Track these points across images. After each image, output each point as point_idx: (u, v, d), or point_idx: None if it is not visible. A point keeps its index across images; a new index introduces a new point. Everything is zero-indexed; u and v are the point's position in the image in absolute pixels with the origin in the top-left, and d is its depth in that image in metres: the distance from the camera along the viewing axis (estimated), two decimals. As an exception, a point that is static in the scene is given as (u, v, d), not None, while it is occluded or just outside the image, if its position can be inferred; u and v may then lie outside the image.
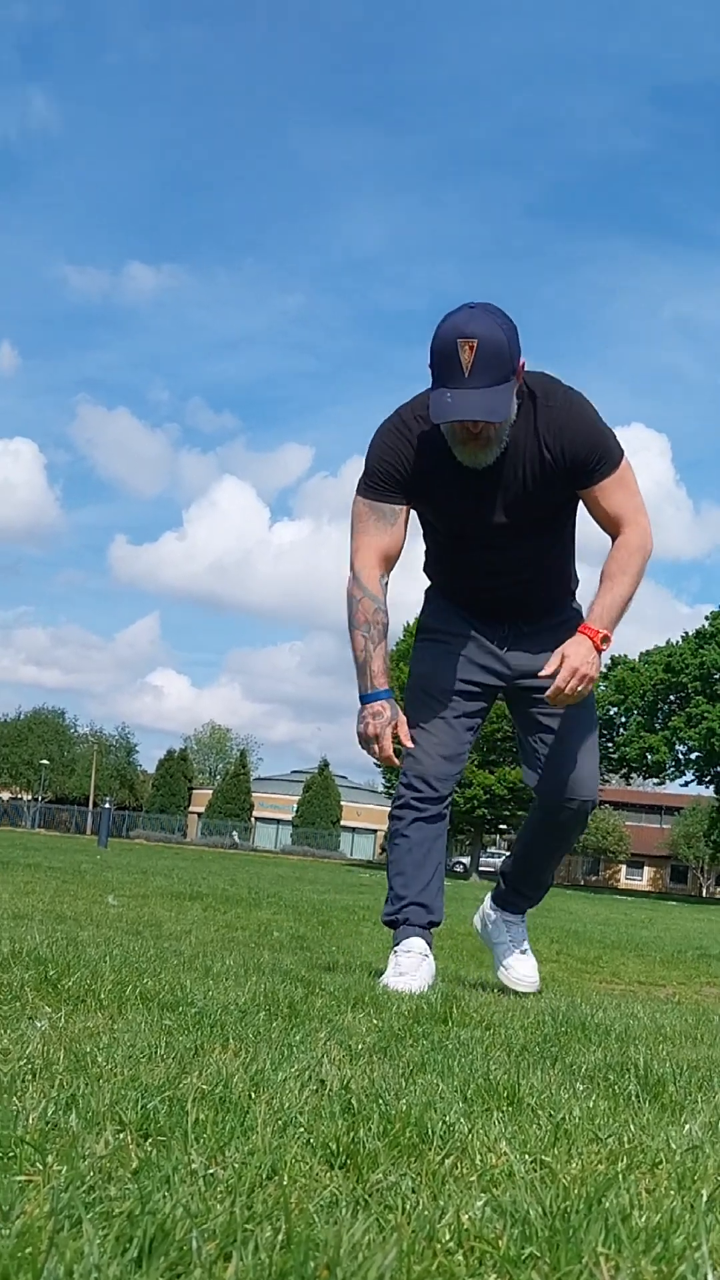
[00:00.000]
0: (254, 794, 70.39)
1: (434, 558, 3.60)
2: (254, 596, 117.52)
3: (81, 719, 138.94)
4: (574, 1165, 1.34)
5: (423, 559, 3.62)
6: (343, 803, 67.13)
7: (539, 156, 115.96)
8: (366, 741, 3.31)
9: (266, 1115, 1.42)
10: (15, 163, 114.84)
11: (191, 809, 71.69)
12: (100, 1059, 1.66)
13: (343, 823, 66.72)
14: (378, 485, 3.34)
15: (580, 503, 3.33)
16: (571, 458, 3.21)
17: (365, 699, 3.35)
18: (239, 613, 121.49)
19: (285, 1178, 1.20)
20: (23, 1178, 1.10)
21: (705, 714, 49.79)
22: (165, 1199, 1.06)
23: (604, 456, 3.23)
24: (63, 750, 79.84)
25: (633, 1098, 1.83)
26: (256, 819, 69.69)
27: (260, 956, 3.86)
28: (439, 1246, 1.03)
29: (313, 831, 65.01)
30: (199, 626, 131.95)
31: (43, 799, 75.60)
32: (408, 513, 3.39)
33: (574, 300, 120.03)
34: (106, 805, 28.05)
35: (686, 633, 53.30)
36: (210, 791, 71.97)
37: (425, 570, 3.67)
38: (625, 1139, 1.49)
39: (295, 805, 67.97)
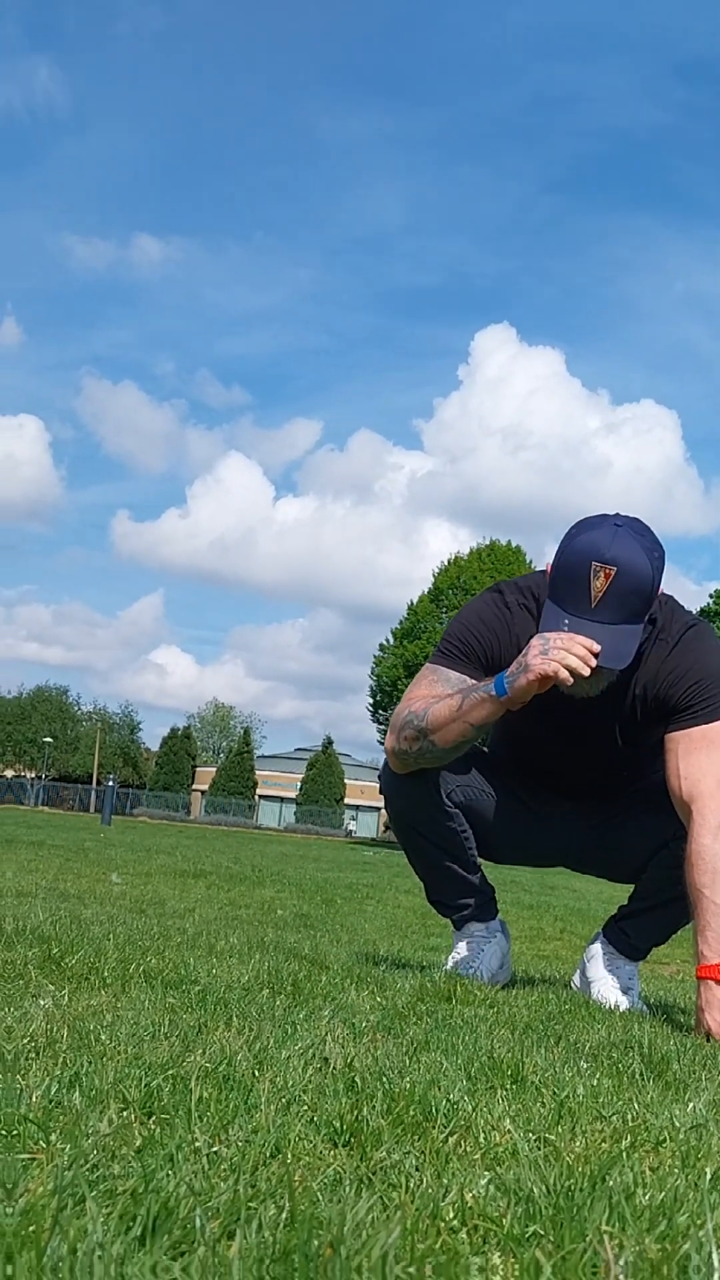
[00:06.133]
0: (258, 771, 70.53)
1: (499, 738, 3.11)
2: (258, 573, 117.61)
3: (85, 697, 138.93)
4: (578, 1143, 1.34)
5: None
6: (346, 780, 67.23)
7: (557, 131, 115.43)
8: (554, 652, 2.54)
9: (270, 1093, 1.42)
10: (20, 135, 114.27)
11: (195, 787, 71.86)
12: (104, 1037, 1.66)
13: (346, 800, 66.83)
14: (456, 656, 2.81)
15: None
16: (665, 696, 2.73)
17: (499, 681, 2.65)
18: (243, 590, 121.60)
19: (289, 1156, 1.20)
20: (26, 1156, 1.10)
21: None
22: (169, 1177, 1.06)
23: (702, 700, 2.70)
24: (66, 728, 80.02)
25: (636, 1076, 1.83)
26: (260, 796, 69.83)
27: (264, 934, 3.86)
28: (443, 1225, 1.03)
29: (316, 809, 65.12)
30: (202, 604, 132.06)
31: (46, 777, 75.80)
32: None
33: (589, 275, 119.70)
34: (110, 783, 28.07)
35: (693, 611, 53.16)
36: (214, 769, 72.11)
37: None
38: (629, 1117, 1.49)
39: (299, 783, 68.08)
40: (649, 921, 3.06)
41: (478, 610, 2.85)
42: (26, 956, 2.42)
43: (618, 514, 2.64)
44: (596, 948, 3.15)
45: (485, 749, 3.15)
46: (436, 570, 51.68)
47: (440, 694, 2.78)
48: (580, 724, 2.82)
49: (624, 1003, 2.97)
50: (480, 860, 3.15)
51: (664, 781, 2.75)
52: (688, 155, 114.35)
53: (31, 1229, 0.92)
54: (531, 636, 2.74)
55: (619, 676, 2.69)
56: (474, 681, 2.78)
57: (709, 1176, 1.23)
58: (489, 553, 50.32)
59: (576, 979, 3.24)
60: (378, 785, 3.06)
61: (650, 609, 2.62)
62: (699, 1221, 1.06)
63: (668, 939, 3.12)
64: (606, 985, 3.05)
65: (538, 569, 2.89)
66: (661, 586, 2.64)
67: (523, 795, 3.07)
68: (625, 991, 3.05)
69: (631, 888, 3.13)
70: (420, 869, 3.09)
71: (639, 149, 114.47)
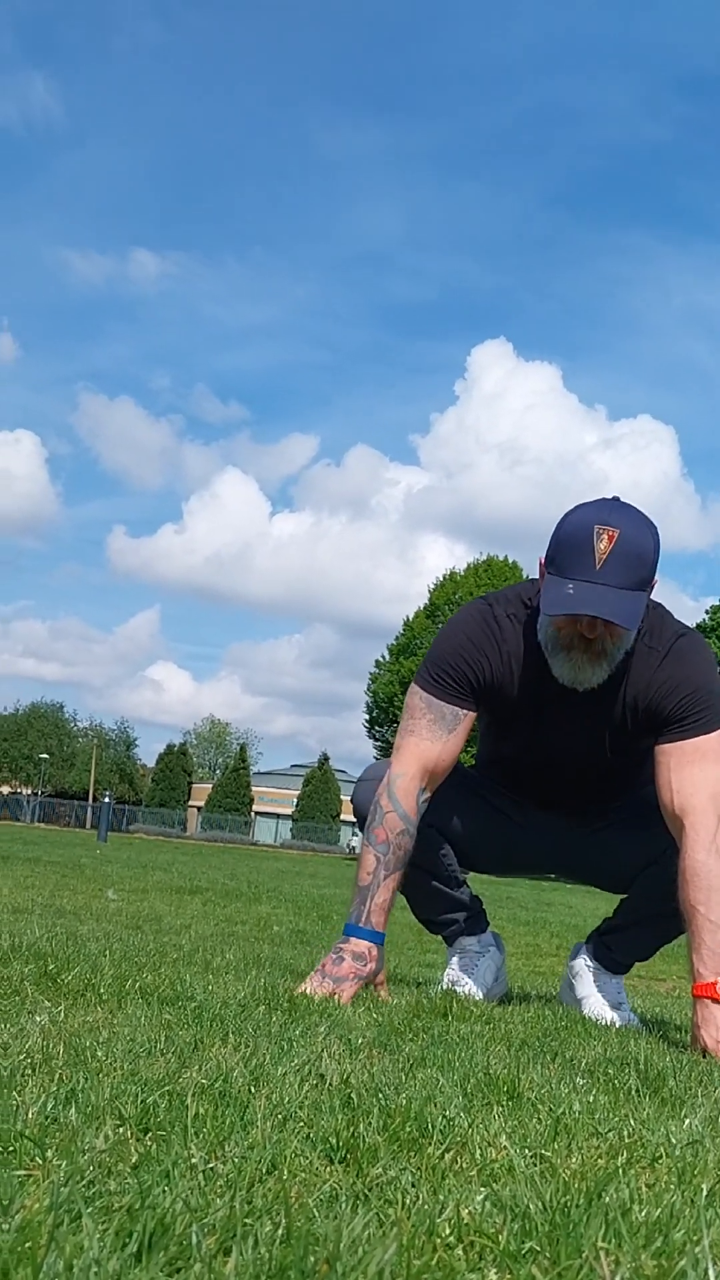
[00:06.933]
0: (254, 788, 70.43)
1: (487, 748, 3.10)
2: (254, 589, 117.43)
3: (81, 713, 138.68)
4: (574, 1160, 1.34)
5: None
6: (342, 797, 67.11)
7: (556, 146, 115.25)
8: (330, 980, 2.63)
9: (266, 1110, 1.42)
10: (17, 150, 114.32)
11: (191, 803, 71.74)
12: (100, 1053, 1.66)
13: (342, 817, 66.72)
14: (445, 683, 2.78)
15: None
16: (656, 707, 2.71)
17: (351, 930, 2.71)
18: (239, 606, 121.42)
19: (285, 1172, 1.20)
20: (23, 1172, 1.10)
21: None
22: (165, 1193, 1.06)
23: (694, 713, 2.68)
24: (62, 744, 79.89)
25: (633, 1092, 1.83)
26: (256, 813, 69.71)
27: (260, 951, 3.86)
28: (439, 1241, 1.03)
29: (312, 826, 65.03)
30: (199, 620, 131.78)
31: (42, 793, 75.68)
32: (472, 721, 2.83)
33: (587, 291, 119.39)
34: (106, 799, 28.04)
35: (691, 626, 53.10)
36: (210, 786, 71.99)
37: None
38: (625, 1133, 1.49)
39: (295, 799, 67.98)
40: (634, 937, 3.06)
41: (464, 628, 2.81)
42: (23, 973, 2.42)
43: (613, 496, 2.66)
44: (581, 964, 3.14)
45: (473, 761, 3.16)
46: (433, 586, 51.78)
47: (428, 758, 2.77)
48: (571, 735, 2.82)
49: (617, 1019, 2.97)
50: (468, 874, 3.15)
51: (654, 794, 2.74)
52: (688, 170, 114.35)
53: (28, 1245, 0.92)
54: (524, 651, 2.74)
55: (608, 685, 2.69)
56: (462, 712, 2.78)
57: (705, 1193, 1.23)
58: (485, 568, 50.39)
59: (563, 993, 3.24)
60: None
61: (651, 583, 2.59)
62: (695, 1238, 1.06)
63: (652, 955, 3.12)
64: (597, 1002, 3.05)
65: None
66: (656, 578, 2.63)
67: (504, 806, 3.06)
68: (616, 1007, 3.05)
69: (616, 901, 3.12)
70: (402, 887, 3.08)
71: (639, 164, 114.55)
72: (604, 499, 2.63)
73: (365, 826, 2.79)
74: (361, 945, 2.69)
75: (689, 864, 2.57)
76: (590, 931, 3.20)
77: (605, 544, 2.50)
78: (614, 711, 2.76)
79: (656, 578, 2.62)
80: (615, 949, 3.09)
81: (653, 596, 2.73)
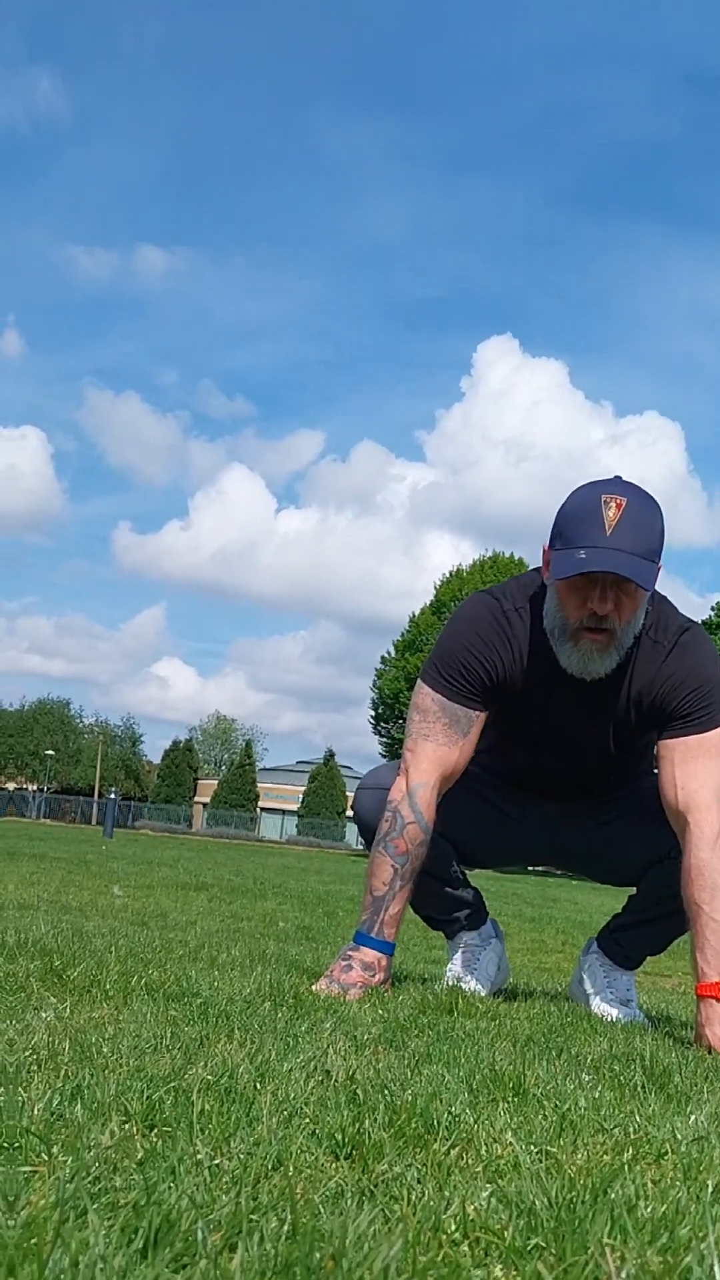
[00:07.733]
0: (259, 784, 70.41)
1: (487, 740, 2.97)
2: (260, 585, 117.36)
3: (86, 709, 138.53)
4: (580, 1156, 1.34)
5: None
6: (348, 793, 67.05)
7: (562, 143, 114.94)
8: (338, 985, 2.66)
9: (272, 1106, 1.42)
10: (23, 147, 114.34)
11: (197, 799, 71.73)
12: (105, 1049, 1.66)
13: (348, 813, 66.67)
14: (459, 683, 2.73)
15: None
16: (662, 702, 2.68)
17: (363, 939, 2.75)
18: (244, 602, 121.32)
19: (290, 1168, 1.20)
20: (28, 1168, 1.10)
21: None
22: (170, 1190, 1.06)
23: (700, 709, 2.65)
24: (68, 741, 79.95)
25: (638, 1088, 1.82)
26: (262, 809, 69.72)
27: (266, 947, 3.86)
28: (444, 1237, 1.03)
29: (318, 822, 65.03)
30: (204, 616, 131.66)
31: (48, 789, 75.71)
32: (484, 721, 2.79)
33: (593, 287, 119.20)
34: (112, 796, 28.06)
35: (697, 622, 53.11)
36: (215, 782, 72.00)
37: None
38: (631, 1130, 1.49)
39: (301, 796, 67.99)
40: (644, 933, 3.06)
41: (475, 625, 2.76)
42: (29, 969, 2.42)
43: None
44: (593, 959, 3.14)
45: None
46: (438, 582, 51.74)
47: (447, 764, 2.75)
48: (575, 729, 2.81)
49: (625, 1015, 2.97)
50: (471, 870, 3.15)
51: (655, 787, 2.72)
52: (694, 167, 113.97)
53: (33, 1241, 0.92)
54: (532, 646, 2.72)
55: (614, 678, 2.68)
56: (475, 713, 2.76)
57: (711, 1189, 1.23)
58: (491, 565, 50.35)
59: (573, 988, 3.24)
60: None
61: (658, 552, 2.55)
62: (701, 1234, 1.06)
63: (663, 950, 3.12)
64: (606, 998, 3.05)
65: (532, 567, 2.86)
66: (660, 563, 2.59)
67: (499, 800, 3.05)
68: (625, 1003, 3.04)
69: (625, 897, 3.12)
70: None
71: (645, 161, 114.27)
72: (607, 477, 2.62)
73: (382, 835, 2.76)
74: (371, 955, 2.72)
75: (693, 862, 2.56)
76: (601, 927, 3.20)
77: (614, 511, 2.49)
78: (619, 705, 2.74)
79: (661, 563, 2.59)
80: (626, 945, 3.09)
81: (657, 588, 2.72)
